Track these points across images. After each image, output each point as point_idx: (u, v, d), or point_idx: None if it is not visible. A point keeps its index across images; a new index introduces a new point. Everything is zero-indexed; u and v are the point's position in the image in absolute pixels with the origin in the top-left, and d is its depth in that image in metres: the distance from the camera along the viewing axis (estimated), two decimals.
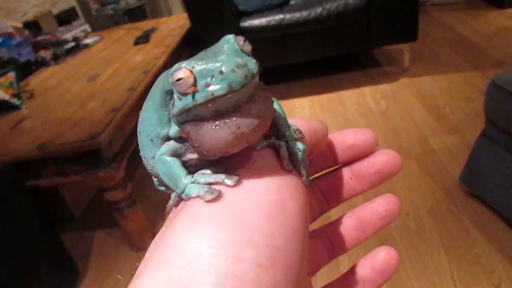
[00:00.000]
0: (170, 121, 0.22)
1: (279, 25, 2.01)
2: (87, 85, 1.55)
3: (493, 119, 1.12)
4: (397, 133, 1.68)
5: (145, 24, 2.35)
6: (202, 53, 0.21)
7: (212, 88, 0.18)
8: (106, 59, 1.83)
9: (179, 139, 0.22)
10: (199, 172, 0.22)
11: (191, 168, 0.23)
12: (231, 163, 0.21)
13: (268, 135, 0.23)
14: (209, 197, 0.19)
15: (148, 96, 0.25)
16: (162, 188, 0.27)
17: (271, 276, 0.17)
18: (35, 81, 1.77)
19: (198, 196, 0.20)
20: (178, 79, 0.19)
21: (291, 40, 2.07)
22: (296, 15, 1.98)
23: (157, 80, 0.24)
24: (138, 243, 1.33)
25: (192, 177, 0.21)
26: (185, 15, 2.11)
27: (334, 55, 2.20)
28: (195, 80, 0.19)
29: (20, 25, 2.19)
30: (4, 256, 1.02)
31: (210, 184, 0.20)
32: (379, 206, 0.29)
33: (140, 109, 0.25)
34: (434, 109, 1.79)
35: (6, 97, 1.47)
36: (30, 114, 1.43)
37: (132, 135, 1.30)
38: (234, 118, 0.19)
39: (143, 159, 0.26)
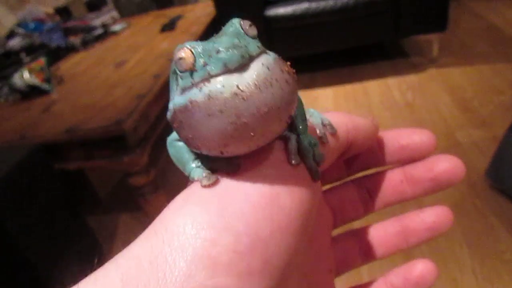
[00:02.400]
0: None
1: (304, 14, 1.98)
2: (114, 71, 1.58)
3: None
4: (423, 125, 1.63)
5: (172, 11, 2.36)
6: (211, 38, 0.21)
7: (208, 67, 0.18)
8: (133, 46, 1.86)
9: None
10: (205, 157, 0.22)
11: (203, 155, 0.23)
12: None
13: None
14: (206, 182, 0.20)
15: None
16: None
17: (246, 263, 0.18)
18: (65, 66, 1.82)
19: (197, 180, 0.21)
20: (180, 58, 0.19)
21: (317, 29, 2.04)
22: (322, 4, 1.95)
23: None
24: None
25: (196, 162, 0.22)
26: (211, 3, 2.11)
27: (360, 45, 2.17)
28: (194, 60, 0.19)
29: (52, 11, 2.24)
30: (35, 237, 1.06)
31: (210, 169, 0.21)
32: (428, 217, 0.29)
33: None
34: (462, 101, 1.74)
35: (37, 81, 1.52)
36: (60, 99, 1.48)
37: (156, 122, 1.32)
38: (234, 105, 0.18)
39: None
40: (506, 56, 1.99)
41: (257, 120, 0.18)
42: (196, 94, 0.18)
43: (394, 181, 0.29)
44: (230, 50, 0.18)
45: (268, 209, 0.19)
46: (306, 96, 2.05)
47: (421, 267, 0.28)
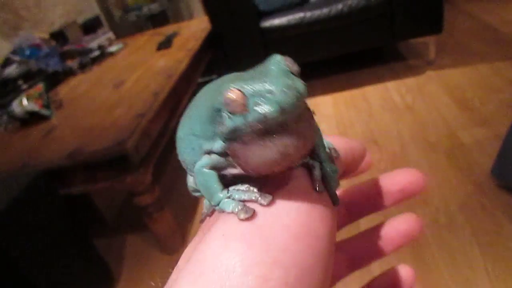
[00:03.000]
0: (214, 136, 0.22)
1: (300, 24, 2.00)
2: (113, 92, 1.59)
3: None
4: (425, 127, 1.65)
5: (167, 29, 2.39)
6: (249, 72, 0.21)
7: (262, 109, 0.19)
8: (131, 65, 1.88)
9: (222, 154, 0.22)
10: (234, 187, 0.23)
11: (228, 181, 0.23)
12: (265, 180, 0.22)
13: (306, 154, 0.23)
14: (243, 216, 0.20)
15: (190, 106, 0.26)
16: (198, 194, 0.28)
17: None
18: (63, 90, 1.83)
19: (232, 212, 0.21)
20: (230, 99, 0.19)
21: (313, 37, 2.05)
22: (317, 13, 1.97)
23: (201, 92, 0.26)
24: (169, 246, 1.35)
25: (227, 192, 0.22)
26: (206, 18, 2.14)
27: (357, 51, 2.18)
28: (246, 101, 0.19)
29: (47, 36, 2.26)
30: (41, 264, 1.05)
31: (244, 201, 0.21)
32: (399, 225, 0.30)
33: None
34: (462, 101, 1.74)
35: (36, 107, 1.53)
36: (60, 123, 1.48)
37: (158, 140, 1.32)
38: (282, 139, 0.19)
39: (182, 163, 0.27)
40: (503, 54, 2.00)
41: (298, 150, 0.20)
42: (253, 132, 0.20)
43: (369, 195, 0.31)
44: (285, 92, 0.19)
45: (308, 239, 0.20)
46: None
47: (402, 273, 0.30)
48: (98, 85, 1.75)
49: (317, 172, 0.23)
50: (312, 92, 2.18)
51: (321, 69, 2.36)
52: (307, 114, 0.21)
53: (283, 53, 0.21)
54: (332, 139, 0.26)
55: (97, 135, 1.23)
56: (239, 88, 0.19)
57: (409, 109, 1.81)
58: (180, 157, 0.26)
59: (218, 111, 0.21)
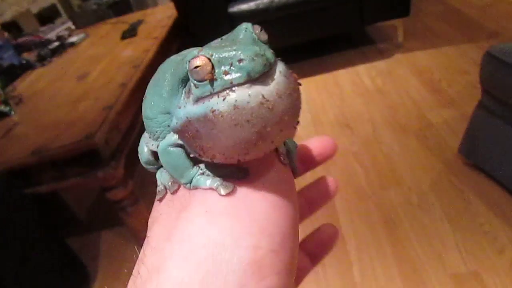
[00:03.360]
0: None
1: (268, 8, 1.97)
2: (77, 84, 1.53)
3: (489, 89, 1.11)
4: (395, 110, 1.68)
5: (131, 17, 2.31)
6: (217, 41, 0.21)
7: (230, 76, 0.18)
8: (94, 56, 1.80)
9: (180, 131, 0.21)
10: (204, 164, 0.22)
11: (194, 159, 0.22)
12: None
13: None
14: (225, 191, 0.20)
15: (154, 83, 0.25)
16: (150, 167, 0.27)
17: (281, 260, 0.19)
18: (22, 85, 1.74)
19: (211, 188, 0.21)
20: (196, 67, 0.18)
21: (282, 23, 2.04)
22: None
23: (165, 67, 0.24)
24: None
25: (199, 168, 0.22)
26: (172, 4, 2.07)
27: (326, 36, 2.18)
28: (212, 68, 0.18)
29: None
30: (12, 267, 1.01)
31: (221, 176, 0.21)
32: (320, 186, 0.32)
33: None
34: (430, 83, 1.78)
35: None
36: (21, 120, 1.41)
37: (128, 132, 1.29)
38: (261, 115, 0.18)
39: (144, 139, 0.26)
40: (468, 37, 2.05)
41: (279, 128, 0.18)
42: (219, 104, 0.18)
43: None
44: (254, 59, 0.18)
45: (283, 207, 0.21)
46: None
47: (327, 231, 0.32)
48: (60, 78, 1.67)
49: (282, 148, 0.23)
50: None
51: (292, 55, 2.36)
52: (292, 85, 0.19)
53: None
54: None
55: (63, 130, 1.18)
56: (206, 55, 0.18)
57: (379, 92, 1.83)
58: (153, 137, 0.25)
59: (184, 81, 0.20)
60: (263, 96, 0.18)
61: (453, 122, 1.49)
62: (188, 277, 0.18)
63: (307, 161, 0.30)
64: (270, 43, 0.21)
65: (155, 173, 0.27)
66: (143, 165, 0.28)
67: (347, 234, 1.20)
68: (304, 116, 1.79)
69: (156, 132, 0.24)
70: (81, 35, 2.16)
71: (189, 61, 0.19)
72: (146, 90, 0.26)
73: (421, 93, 1.73)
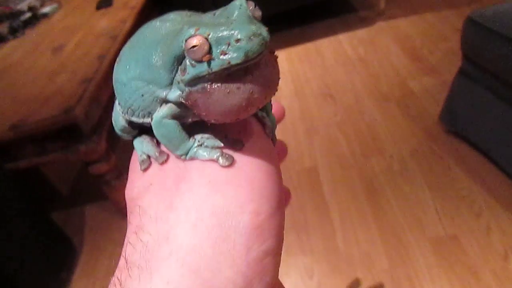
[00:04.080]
0: (170, 84, 0.22)
1: None
2: (53, 57, 1.47)
3: (469, 55, 1.12)
4: (377, 78, 1.69)
5: None
6: (210, 16, 0.21)
7: (228, 56, 0.19)
8: (69, 27, 1.73)
9: (180, 104, 0.22)
10: (202, 135, 0.23)
11: (187, 129, 0.23)
12: (225, 127, 0.23)
13: None
14: (226, 162, 0.21)
15: (133, 46, 0.24)
16: (125, 135, 0.28)
17: (277, 224, 0.21)
18: None
19: (210, 160, 0.22)
20: (193, 46, 0.19)
21: None
22: None
23: (146, 31, 0.24)
24: (124, 201, 1.33)
25: (196, 140, 0.23)
26: None
27: (307, 4, 2.14)
28: (210, 48, 0.19)
29: None
30: None
31: (219, 148, 0.22)
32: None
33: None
34: (411, 51, 1.79)
35: None
36: None
37: (109, 105, 1.26)
38: (248, 85, 0.19)
39: (123, 109, 0.25)
40: (448, 3, 2.05)
41: (264, 95, 0.20)
42: (216, 79, 0.19)
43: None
44: (252, 39, 0.18)
45: (275, 174, 0.22)
46: None
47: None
48: (34, 51, 1.61)
49: (268, 121, 0.25)
50: None
51: (273, 25, 2.31)
52: (272, 59, 0.21)
53: None
54: None
55: (41, 104, 1.15)
56: (203, 35, 0.19)
57: (361, 61, 1.83)
58: (123, 103, 0.25)
59: (179, 58, 0.20)
60: (253, 68, 0.19)
61: (434, 90, 1.51)
62: (200, 243, 0.19)
63: None
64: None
65: (131, 141, 0.27)
66: (118, 133, 0.28)
67: (330, 202, 1.23)
68: (287, 87, 1.79)
69: (129, 99, 0.24)
70: (54, 6, 2.06)
71: (186, 40, 0.19)
72: (120, 54, 0.25)
73: (402, 61, 1.73)
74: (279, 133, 0.27)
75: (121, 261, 0.21)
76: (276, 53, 0.22)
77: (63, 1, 2.15)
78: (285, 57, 2.02)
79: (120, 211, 1.34)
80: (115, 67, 0.25)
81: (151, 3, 1.88)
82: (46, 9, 2.02)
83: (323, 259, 1.09)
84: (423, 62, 1.69)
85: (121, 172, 1.24)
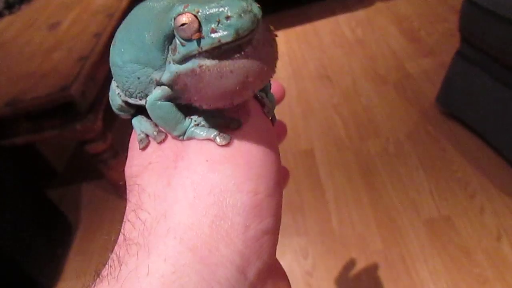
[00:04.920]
0: (164, 66, 0.21)
1: None
2: (49, 34, 1.45)
3: (468, 37, 1.12)
4: (374, 60, 1.68)
5: None
6: None
7: (218, 34, 0.18)
8: (65, 3, 1.70)
9: (171, 85, 0.21)
10: (198, 115, 0.22)
11: (183, 109, 0.23)
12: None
13: None
14: (223, 141, 0.21)
15: (127, 28, 0.24)
16: (122, 114, 0.27)
17: (275, 203, 0.21)
18: None
19: (207, 139, 0.21)
20: (182, 24, 0.18)
21: None
22: None
23: (139, 12, 0.24)
24: (124, 179, 1.33)
25: (192, 120, 0.22)
26: None
27: None
28: (199, 26, 0.18)
29: None
30: None
31: (216, 127, 0.22)
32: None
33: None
34: (409, 32, 1.77)
35: None
36: None
37: (106, 84, 1.25)
38: (242, 65, 0.19)
39: (121, 91, 0.25)
40: None
41: (260, 78, 0.20)
42: (206, 59, 0.19)
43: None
44: (242, 16, 0.18)
45: (272, 153, 0.22)
46: None
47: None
48: (30, 27, 1.59)
49: (267, 101, 0.25)
50: None
51: (271, 5, 2.28)
52: (269, 37, 0.20)
53: None
54: None
55: (37, 81, 1.14)
56: (193, 12, 0.18)
57: (359, 42, 1.82)
58: (121, 86, 0.25)
59: (169, 37, 0.20)
60: (247, 49, 0.19)
61: (431, 72, 1.51)
62: (198, 221, 0.19)
63: None
64: None
65: (129, 120, 0.27)
66: (116, 111, 0.28)
67: (326, 184, 1.24)
68: (284, 69, 1.78)
69: (126, 82, 0.24)
70: None
71: (174, 18, 0.19)
72: (115, 36, 0.25)
73: (400, 43, 1.73)
74: (275, 114, 0.27)
75: (120, 238, 0.21)
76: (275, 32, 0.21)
77: None
78: (282, 39, 2.00)
79: (116, 190, 1.35)
80: (110, 49, 0.25)
81: None
82: None
83: (318, 240, 1.10)
84: (421, 43, 1.68)
85: (118, 151, 1.24)
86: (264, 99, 0.25)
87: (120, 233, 0.21)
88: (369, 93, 1.52)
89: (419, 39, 1.71)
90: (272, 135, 0.24)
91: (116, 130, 1.39)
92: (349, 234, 1.09)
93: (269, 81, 0.26)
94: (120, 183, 0.27)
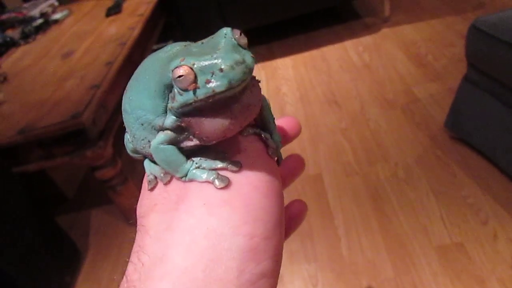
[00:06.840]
0: (165, 112, 0.23)
1: None
2: (62, 63, 1.50)
3: (474, 62, 1.12)
4: (382, 85, 1.69)
5: None
6: (198, 45, 0.22)
7: (212, 85, 0.19)
8: (79, 33, 1.76)
9: (176, 129, 0.23)
10: (199, 157, 0.24)
11: (187, 154, 0.24)
12: (226, 149, 0.24)
13: (253, 124, 0.26)
14: (221, 184, 0.22)
15: (136, 77, 0.26)
16: (137, 156, 0.29)
17: (273, 245, 0.21)
18: (6, 63, 1.70)
19: (207, 182, 0.22)
20: (179, 76, 0.20)
21: None
22: None
23: (147, 62, 0.25)
24: (135, 218, 1.34)
25: (193, 163, 0.23)
26: None
27: (313, 11, 2.15)
28: (195, 77, 0.20)
29: None
30: (1, 245, 1.02)
31: (216, 169, 0.23)
32: (288, 163, 0.33)
33: (123, 84, 0.26)
34: (416, 57, 1.79)
35: None
36: (7, 99, 1.38)
37: (116, 112, 1.27)
38: (231, 107, 0.21)
39: (130, 137, 0.27)
40: (453, 9, 2.05)
41: (245, 116, 0.22)
42: (202, 105, 0.21)
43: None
44: (234, 68, 0.19)
45: (273, 195, 0.22)
46: (267, 67, 2.03)
47: (297, 206, 0.33)
48: (44, 56, 1.64)
49: (271, 142, 0.25)
50: (272, 55, 2.15)
51: (280, 31, 2.33)
52: (253, 83, 0.22)
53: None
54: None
55: (49, 109, 1.17)
56: (189, 65, 0.20)
57: (366, 67, 1.83)
58: (129, 132, 0.26)
59: (169, 87, 0.22)
60: (236, 95, 0.21)
61: (439, 96, 1.51)
62: (192, 266, 0.19)
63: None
64: (249, 47, 0.22)
65: (142, 161, 0.28)
66: (130, 153, 0.30)
67: (335, 209, 1.23)
68: (292, 94, 1.79)
69: (133, 127, 0.25)
70: (65, 12, 2.10)
71: (172, 70, 0.20)
72: (128, 84, 0.26)
73: (407, 68, 1.73)
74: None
75: (123, 279, 0.21)
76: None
77: (74, 8, 2.19)
78: (290, 64, 2.03)
79: (125, 216, 1.35)
80: (123, 96, 0.27)
81: (159, 10, 1.91)
82: (57, 15, 2.06)
83: (328, 267, 1.08)
84: (428, 68, 1.69)
85: (126, 178, 1.25)
86: (269, 140, 0.26)
87: (124, 275, 0.22)
88: (377, 117, 1.52)
89: (426, 64, 1.72)
90: (274, 176, 0.23)
91: (126, 157, 1.40)
92: (359, 260, 1.07)
93: (271, 120, 0.27)
94: (130, 222, 0.27)
